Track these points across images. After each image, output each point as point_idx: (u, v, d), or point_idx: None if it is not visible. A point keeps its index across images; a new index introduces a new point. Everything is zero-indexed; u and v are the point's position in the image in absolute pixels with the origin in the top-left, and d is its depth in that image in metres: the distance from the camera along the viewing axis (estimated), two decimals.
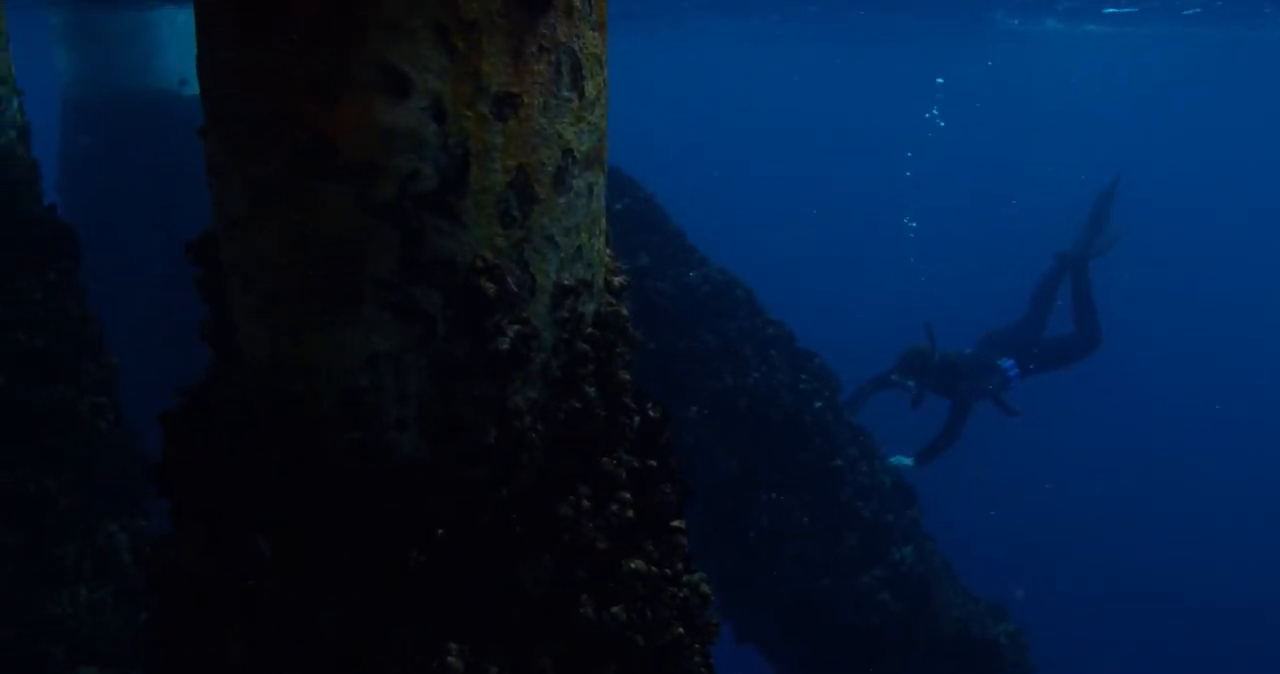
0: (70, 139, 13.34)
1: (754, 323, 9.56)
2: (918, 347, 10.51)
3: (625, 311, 2.35)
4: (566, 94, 2.13)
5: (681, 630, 2.25)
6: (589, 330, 2.23)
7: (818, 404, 9.21)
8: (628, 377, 2.28)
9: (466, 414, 2.00)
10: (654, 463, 2.26)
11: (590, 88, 2.22)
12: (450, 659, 1.90)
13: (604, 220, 2.38)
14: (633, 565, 2.12)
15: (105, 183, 12.69)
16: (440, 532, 1.94)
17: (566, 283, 2.15)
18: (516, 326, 2.03)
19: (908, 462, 10.15)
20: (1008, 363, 10.82)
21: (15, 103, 5.53)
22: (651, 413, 2.34)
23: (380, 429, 1.99)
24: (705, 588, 2.38)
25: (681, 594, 2.28)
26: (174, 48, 13.45)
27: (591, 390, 2.16)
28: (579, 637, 2.05)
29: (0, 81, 5.41)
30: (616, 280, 2.40)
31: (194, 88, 13.52)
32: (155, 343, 9.29)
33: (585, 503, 2.08)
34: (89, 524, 5.50)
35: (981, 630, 9.03)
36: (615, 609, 2.06)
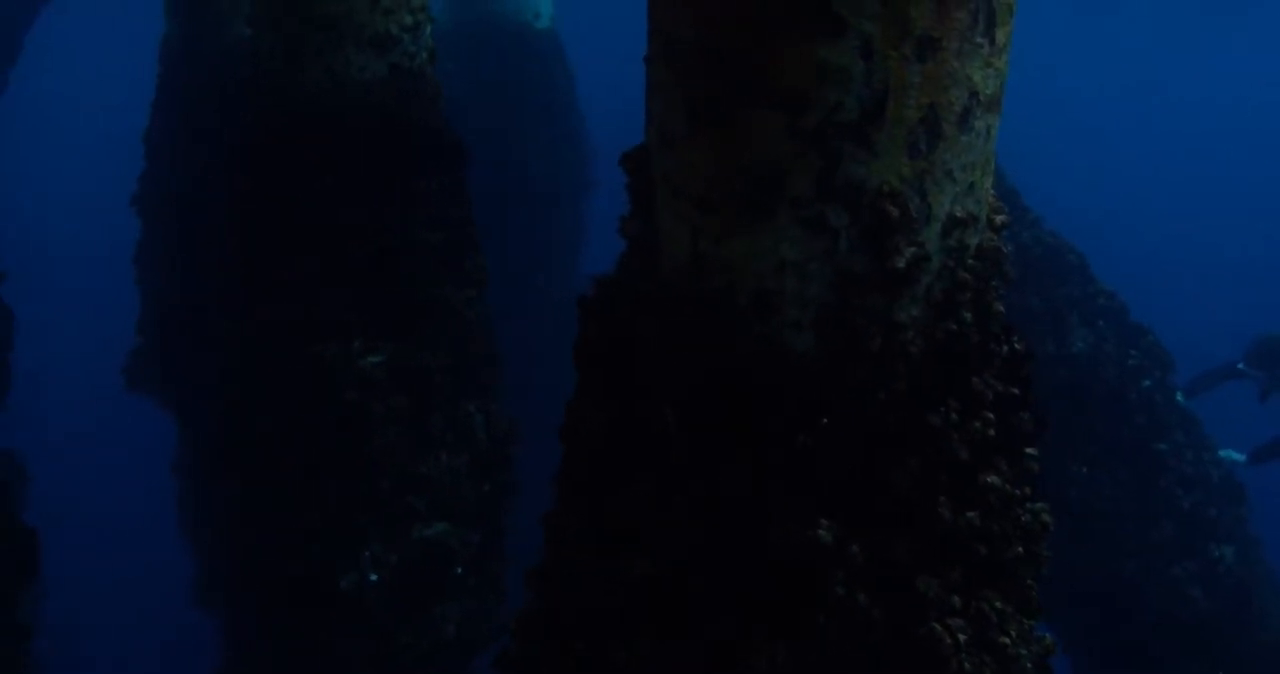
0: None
1: (1084, 290, 9.15)
2: (1274, 333, 9.60)
3: (1004, 248, 2.50)
4: (979, 40, 2.28)
5: (1021, 550, 2.41)
6: (970, 261, 2.40)
7: (1146, 383, 8.72)
8: (1001, 308, 2.43)
9: (857, 322, 2.25)
10: (1016, 391, 2.41)
11: (1000, 35, 2.35)
12: (822, 532, 2.18)
13: (994, 161, 2.51)
14: (989, 479, 2.30)
15: (459, 107, 13.83)
16: (825, 421, 2.21)
17: (958, 214, 2.33)
18: (912, 248, 2.24)
19: (1239, 457, 9.39)
20: None
21: (428, 29, 6.29)
22: (1017, 345, 2.48)
23: (780, 327, 2.28)
24: (1046, 517, 2.52)
25: (1025, 518, 2.44)
26: None
27: (968, 315, 2.34)
28: (933, 535, 2.27)
29: (419, 9, 6.17)
30: (998, 218, 2.54)
31: (545, 22, 14.38)
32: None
33: (953, 416, 2.28)
34: (453, 400, 6.30)
35: None
36: (971, 515, 2.26)
